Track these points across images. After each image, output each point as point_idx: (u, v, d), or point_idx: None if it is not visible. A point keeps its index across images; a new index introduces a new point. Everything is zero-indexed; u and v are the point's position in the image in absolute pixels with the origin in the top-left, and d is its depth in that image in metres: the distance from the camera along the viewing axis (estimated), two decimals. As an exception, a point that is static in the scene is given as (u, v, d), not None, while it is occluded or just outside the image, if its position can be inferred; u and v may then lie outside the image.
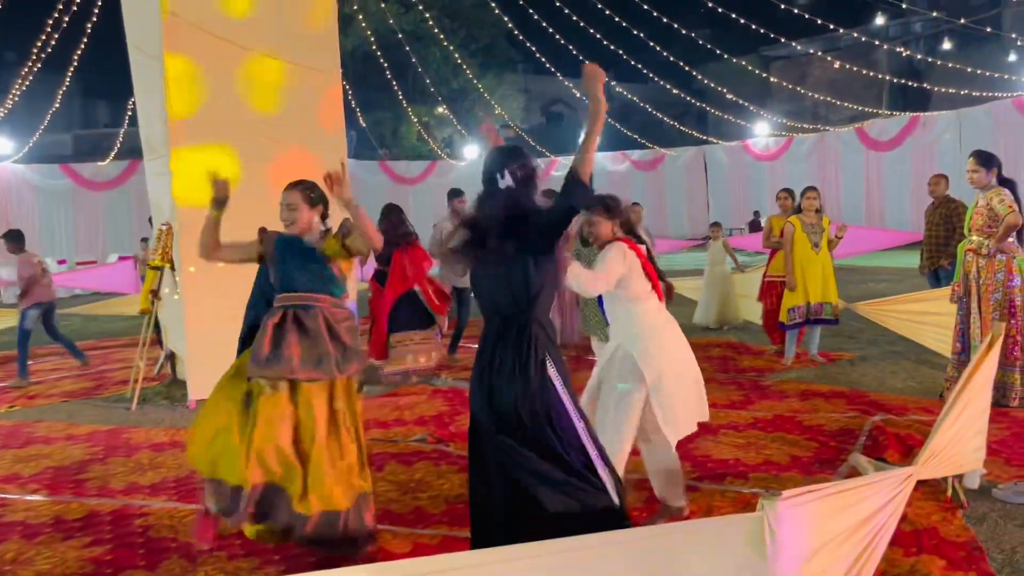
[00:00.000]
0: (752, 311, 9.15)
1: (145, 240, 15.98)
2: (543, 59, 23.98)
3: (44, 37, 16.79)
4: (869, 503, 2.64)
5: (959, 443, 3.46)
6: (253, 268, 4.09)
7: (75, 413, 7.15)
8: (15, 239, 8.61)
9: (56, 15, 16.17)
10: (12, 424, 6.80)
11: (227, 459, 3.51)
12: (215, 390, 3.71)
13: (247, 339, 3.86)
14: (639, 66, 23.42)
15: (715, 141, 29.28)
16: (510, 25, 23.25)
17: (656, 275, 4.08)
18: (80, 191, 23.29)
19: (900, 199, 23.70)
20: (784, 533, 2.08)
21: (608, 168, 30.41)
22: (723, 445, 5.30)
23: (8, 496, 4.94)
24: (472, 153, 29.40)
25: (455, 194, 8.40)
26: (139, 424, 6.59)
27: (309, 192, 3.89)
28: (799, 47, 27.69)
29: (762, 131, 28.88)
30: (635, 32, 21.51)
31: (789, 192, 8.38)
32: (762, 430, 5.60)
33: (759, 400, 6.44)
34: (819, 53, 28.80)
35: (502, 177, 3.06)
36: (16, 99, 18.49)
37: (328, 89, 7.72)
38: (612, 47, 22.23)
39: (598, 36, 21.19)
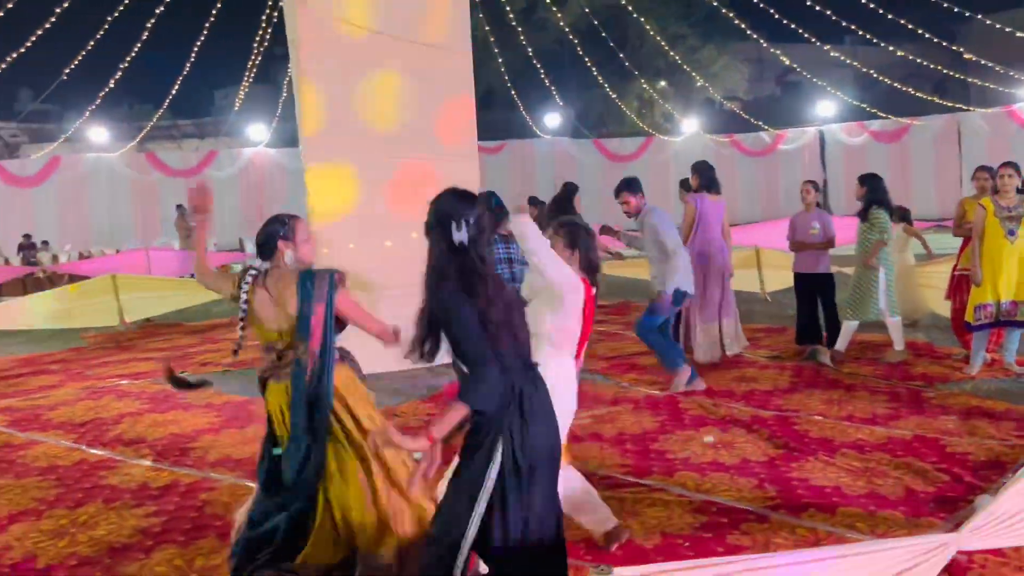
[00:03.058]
0: (942, 304, 7.85)
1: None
2: (784, 21, 22.29)
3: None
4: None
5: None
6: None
7: (228, 382, 7.63)
8: None
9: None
10: (164, 390, 7.25)
11: None
12: None
13: None
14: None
15: (968, 109, 25.77)
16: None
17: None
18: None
19: None
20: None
21: (844, 141, 27.92)
22: (833, 468, 4.56)
23: (117, 458, 5.37)
24: (691, 127, 28.23)
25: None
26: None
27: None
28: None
29: (1032, 95, 25.03)
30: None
31: (988, 170, 7.08)
32: (890, 453, 4.76)
33: (909, 415, 5.49)
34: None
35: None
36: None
37: (457, 102, 7.72)
38: (853, 7, 20.26)
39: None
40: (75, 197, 24.61)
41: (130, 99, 32.41)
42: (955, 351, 7.22)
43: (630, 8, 21.98)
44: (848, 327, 7.26)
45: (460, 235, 2.58)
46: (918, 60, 22.11)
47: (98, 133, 26.44)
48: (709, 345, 7.37)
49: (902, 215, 8.54)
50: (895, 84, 23.51)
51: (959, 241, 7.32)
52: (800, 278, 7.60)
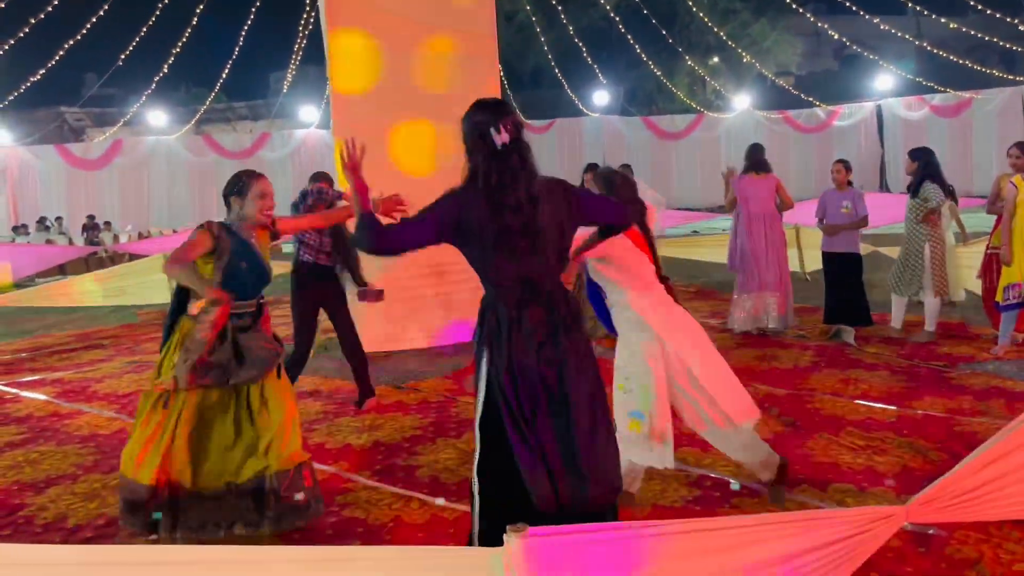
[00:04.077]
0: (977, 283, 7.71)
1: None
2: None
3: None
4: (763, 547, 2.15)
5: (1015, 484, 2.67)
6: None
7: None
8: None
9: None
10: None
11: None
12: None
13: None
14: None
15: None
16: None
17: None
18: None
19: None
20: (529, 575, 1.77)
21: (902, 115, 27.18)
22: (836, 446, 4.60)
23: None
24: (742, 104, 27.77)
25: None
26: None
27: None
28: None
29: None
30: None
31: (1021, 147, 6.92)
32: (897, 432, 4.77)
33: (924, 395, 5.47)
34: None
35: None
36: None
37: (485, 70, 7.76)
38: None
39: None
40: (136, 179, 25.46)
41: (187, 83, 33.22)
42: (987, 331, 7.12)
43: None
44: (898, 302, 7.31)
45: (501, 137, 2.68)
46: (979, 34, 21.36)
47: (157, 116, 27.24)
48: (743, 318, 7.61)
49: (948, 192, 8.38)
50: (950, 58, 22.74)
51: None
52: (828, 257, 7.55)
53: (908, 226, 7.26)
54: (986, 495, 2.62)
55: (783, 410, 5.29)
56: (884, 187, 26.86)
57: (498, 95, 7.84)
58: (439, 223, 2.67)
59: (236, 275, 3.61)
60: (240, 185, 3.71)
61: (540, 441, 2.64)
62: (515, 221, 2.62)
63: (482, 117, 2.74)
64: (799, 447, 4.62)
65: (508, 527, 1.79)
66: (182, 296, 3.68)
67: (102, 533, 3.97)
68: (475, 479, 2.78)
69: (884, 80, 28.11)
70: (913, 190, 7.19)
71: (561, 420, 2.68)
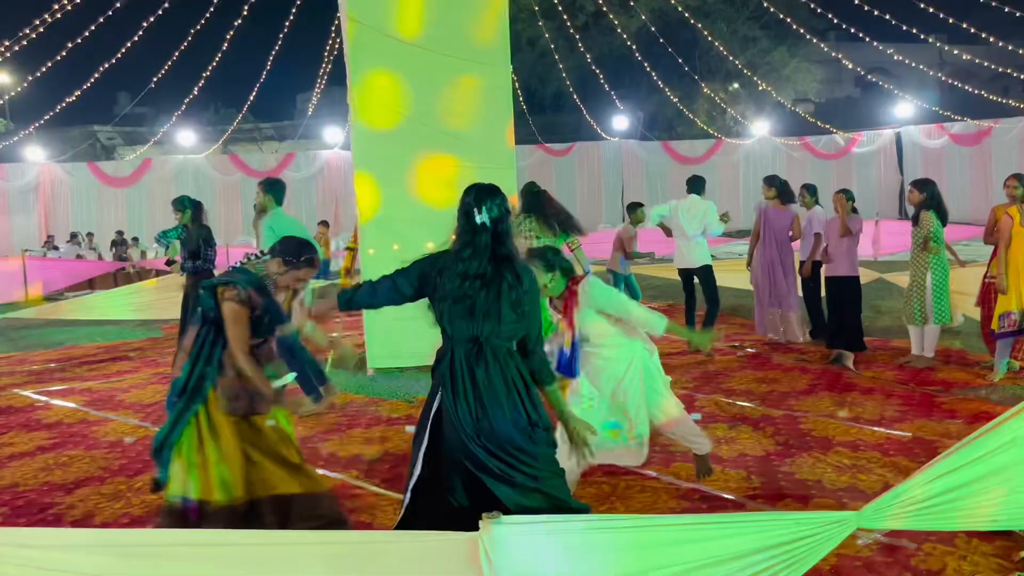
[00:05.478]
0: (974, 310, 7.87)
1: (323, 223, 17.70)
2: (846, 26, 22.11)
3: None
4: (718, 544, 2.38)
5: (966, 498, 2.88)
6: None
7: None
8: None
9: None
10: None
11: None
12: None
13: None
14: (971, 28, 20.66)
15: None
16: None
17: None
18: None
19: None
20: (504, 561, 2.02)
21: (922, 144, 27.24)
22: (823, 465, 4.80)
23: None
24: (761, 130, 27.98)
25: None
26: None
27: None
28: None
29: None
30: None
31: (1019, 178, 7.10)
32: (884, 453, 4.96)
33: (916, 418, 5.65)
34: None
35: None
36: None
37: (501, 99, 8.06)
38: (933, 10, 19.89)
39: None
40: (164, 196, 25.98)
41: (216, 103, 34.00)
42: (986, 358, 7.27)
43: (688, 17, 22.02)
44: (913, 331, 7.44)
45: (481, 217, 2.99)
46: (991, 65, 21.48)
47: (186, 136, 27.89)
48: (769, 325, 8.59)
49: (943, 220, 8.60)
50: (966, 87, 22.85)
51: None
52: (829, 282, 7.77)
53: (912, 254, 7.47)
54: (935, 507, 2.83)
55: (776, 430, 5.50)
56: (903, 214, 26.87)
57: (512, 124, 8.17)
58: (420, 275, 3.04)
59: (259, 327, 3.67)
60: (298, 260, 3.70)
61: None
62: (474, 292, 2.90)
63: (471, 199, 3.04)
64: (786, 464, 4.82)
65: (483, 514, 2.05)
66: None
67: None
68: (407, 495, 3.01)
69: (904, 108, 28.22)
70: (915, 219, 7.39)
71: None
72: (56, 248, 22.03)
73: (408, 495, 2.96)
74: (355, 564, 2.06)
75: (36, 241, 23.78)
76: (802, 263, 8.33)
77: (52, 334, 11.46)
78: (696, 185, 8.63)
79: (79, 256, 20.31)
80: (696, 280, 8.44)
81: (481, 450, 2.86)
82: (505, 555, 2.02)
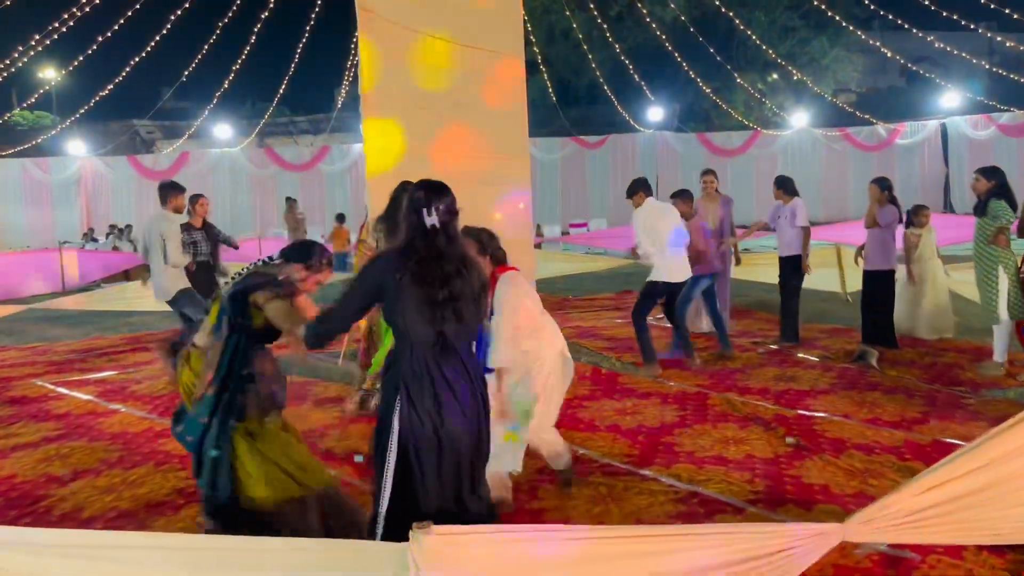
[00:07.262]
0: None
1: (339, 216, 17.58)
2: (889, 15, 21.48)
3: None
4: (704, 553, 2.22)
5: (965, 510, 2.67)
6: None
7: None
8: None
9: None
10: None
11: None
12: None
13: None
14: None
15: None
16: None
17: None
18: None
19: None
20: (434, 572, 1.89)
21: (969, 135, 26.45)
22: (832, 468, 4.58)
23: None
24: (800, 122, 27.38)
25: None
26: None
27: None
28: None
29: None
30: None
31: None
32: (899, 457, 4.73)
33: (940, 420, 5.39)
34: None
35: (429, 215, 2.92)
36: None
37: (507, 69, 7.93)
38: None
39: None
40: (200, 189, 26.21)
41: (253, 97, 34.31)
42: (1020, 356, 6.94)
43: (722, 7, 21.58)
44: (995, 331, 6.69)
45: (431, 219, 2.89)
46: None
47: (223, 129, 28.18)
48: None
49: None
50: (1015, 77, 22.07)
51: None
52: (864, 276, 7.52)
53: (977, 248, 6.74)
54: (929, 519, 2.64)
55: (789, 431, 5.28)
56: (948, 207, 26.14)
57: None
58: (376, 285, 2.91)
59: (273, 330, 3.63)
60: (317, 264, 3.68)
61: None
62: (436, 293, 2.82)
63: (421, 195, 2.94)
64: (794, 468, 4.62)
65: (414, 524, 1.92)
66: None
67: (110, 527, 4.20)
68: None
69: (950, 98, 27.39)
70: (981, 209, 6.72)
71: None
72: (95, 240, 22.41)
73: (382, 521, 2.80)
74: (283, 571, 1.95)
75: (78, 234, 24.24)
76: (789, 258, 7.81)
77: (83, 325, 11.60)
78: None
79: (115, 248, 20.62)
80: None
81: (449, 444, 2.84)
82: (435, 566, 1.89)
